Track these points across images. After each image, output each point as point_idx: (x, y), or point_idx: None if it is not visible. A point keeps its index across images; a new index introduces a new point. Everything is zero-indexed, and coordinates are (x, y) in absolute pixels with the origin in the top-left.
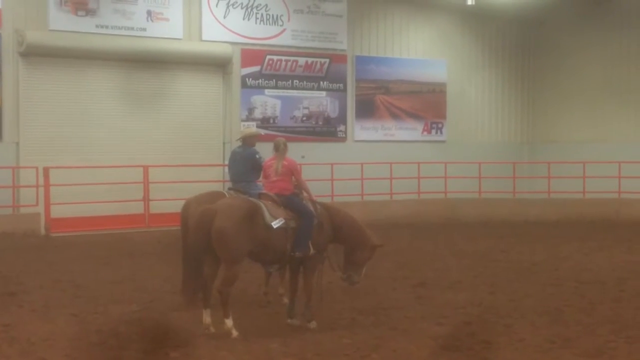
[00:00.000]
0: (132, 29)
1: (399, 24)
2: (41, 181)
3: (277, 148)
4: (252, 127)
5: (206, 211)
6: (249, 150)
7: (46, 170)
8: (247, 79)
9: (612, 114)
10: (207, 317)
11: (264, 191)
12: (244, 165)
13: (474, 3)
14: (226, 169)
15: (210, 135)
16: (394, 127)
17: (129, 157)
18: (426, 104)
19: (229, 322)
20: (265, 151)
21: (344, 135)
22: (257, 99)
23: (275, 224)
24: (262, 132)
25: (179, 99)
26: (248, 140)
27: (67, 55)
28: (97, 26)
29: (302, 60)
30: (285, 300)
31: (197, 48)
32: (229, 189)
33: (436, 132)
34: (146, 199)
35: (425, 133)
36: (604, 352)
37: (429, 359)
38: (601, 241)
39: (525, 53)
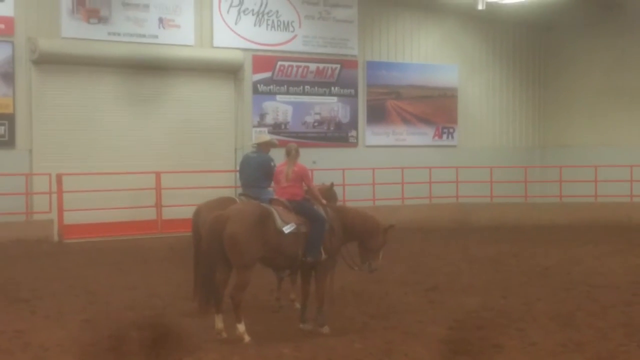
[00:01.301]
0: (144, 36)
1: (409, 29)
2: (54, 188)
3: (288, 153)
4: (265, 134)
5: (218, 217)
6: (264, 157)
7: (59, 177)
8: (258, 85)
9: (623, 117)
10: (219, 323)
11: (275, 197)
12: (258, 171)
13: (484, 8)
14: (238, 174)
15: (222, 141)
16: (405, 132)
17: (141, 164)
18: (437, 109)
19: (241, 327)
20: (278, 157)
21: (355, 141)
22: (269, 105)
23: (287, 229)
24: (269, 137)
25: (191, 106)
26: (264, 147)
27: (79, 63)
28: (109, 33)
29: (313, 66)
30: (297, 305)
31: (208, 54)
32: (240, 194)
33: (447, 137)
34: (158, 205)
35: (436, 138)
36: (616, 356)
37: None
38: (613, 245)
39: (535, 57)
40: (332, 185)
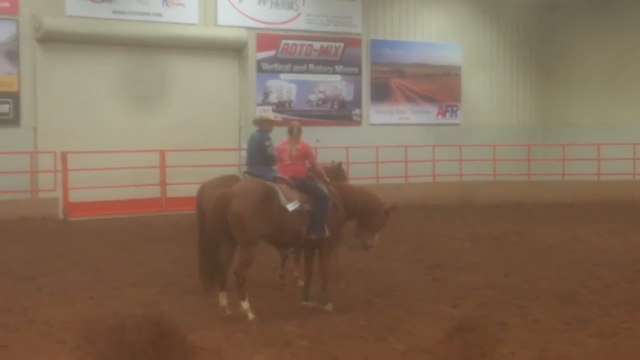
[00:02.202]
0: (148, 14)
1: (413, 8)
2: (59, 166)
3: (290, 132)
4: (268, 112)
5: (223, 195)
6: (261, 136)
7: (64, 155)
8: (262, 64)
9: (627, 96)
10: (223, 300)
11: (278, 175)
12: (257, 149)
13: None
14: (242, 152)
15: (226, 119)
16: (408, 110)
17: (146, 142)
18: (441, 87)
19: (245, 305)
20: (280, 135)
21: (359, 119)
22: (273, 84)
23: (291, 206)
24: (272, 116)
25: (195, 84)
26: (263, 125)
27: (84, 41)
28: (113, 12)
29: (317, 45)
30: (301, 283)
31: (212, 33)
32: (245, 172)
33: (451, 115)
34: (163, 183)
35: (440, 116)
36: (618, 333)
37: (444, 341)
38: (616, 223)
39: (539, 36)
40: (340, 164)
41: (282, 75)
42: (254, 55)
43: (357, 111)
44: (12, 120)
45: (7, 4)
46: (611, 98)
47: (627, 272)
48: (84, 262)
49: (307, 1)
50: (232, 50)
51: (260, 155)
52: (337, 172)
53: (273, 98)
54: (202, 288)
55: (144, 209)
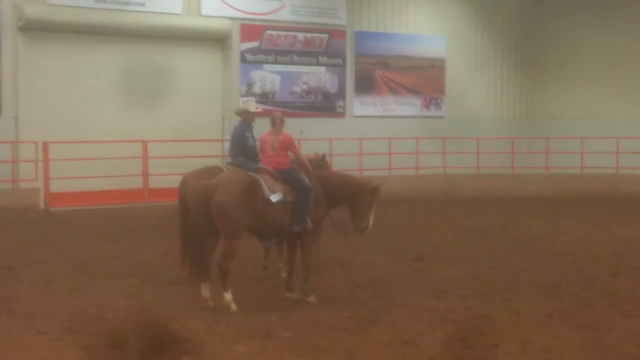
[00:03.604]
0: (131, 3)
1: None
2: (40, 156)
3: (273, 123)
4: (250, 102)
5: (206, 186)
6: (243, 127)
7: (45, 145)
8: (246, 54)
9: (611, 90)
10: (205, 291)
11: (261, 166)
12: (238, 141)
13: None
14: (225, 143)
15: (209, 110)
16: (392, 102)
17: (128, 132)
18: (425, 80)
19: (227, 296)
20: (264, 126)
21: (343, 111)
22: (256, 74)
23: (274, 197)
24: (254, 107)
25: (178, 75)
26: (244, 116)
27: (66, 30)
28: (96, 1)
29: (301, 36)
30: (284, 274)
31: (196, 23)
32: (227, 163)
33: (435, 108)
34: (145, 174)
35: (424, 109)
36: (600, 326)
37: (426, 333)
38: (599, 216)
39: (524, 29)
40: (324, 156)
41: (265, 66)
42: (238, 45)
43: (341, 103)
44: None
45: None
46: (596, 91)
47: (609, 265)
48: (65, 253)
49: None
50: (215, 40)
51: (241, 147)
52: (320, 164)
53: (257, 89)
54: (188, 278)
55: (126, 200)
